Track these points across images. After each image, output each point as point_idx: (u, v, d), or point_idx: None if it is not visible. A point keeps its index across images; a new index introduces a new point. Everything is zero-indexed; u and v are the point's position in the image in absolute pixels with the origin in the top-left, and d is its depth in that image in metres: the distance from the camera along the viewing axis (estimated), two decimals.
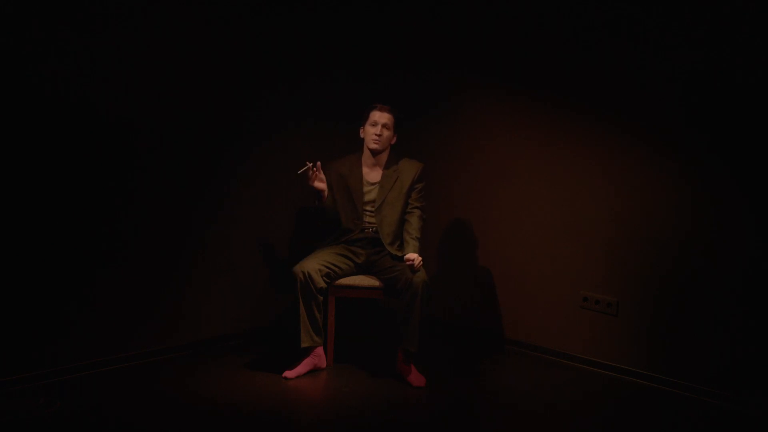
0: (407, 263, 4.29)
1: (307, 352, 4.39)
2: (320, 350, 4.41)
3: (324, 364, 4.45)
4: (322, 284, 4.32)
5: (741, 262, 4.08)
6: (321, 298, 4.33)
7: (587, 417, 4.03)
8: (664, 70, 4.23)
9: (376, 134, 4.47)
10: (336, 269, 4.42)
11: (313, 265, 4.31)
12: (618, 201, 4.48)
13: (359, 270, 4.53)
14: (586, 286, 4.62)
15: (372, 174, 4.57)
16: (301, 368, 4.36)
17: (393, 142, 4.55)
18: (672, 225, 4.30)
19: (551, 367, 4.67)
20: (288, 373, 4.33)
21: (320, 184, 4.44)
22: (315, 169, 4.37)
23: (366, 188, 4.55)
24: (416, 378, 4.31)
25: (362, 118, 4.53)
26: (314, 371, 4.41)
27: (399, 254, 4.44)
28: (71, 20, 4.04)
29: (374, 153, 4.53)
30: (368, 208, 4.55)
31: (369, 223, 4.55)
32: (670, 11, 4.19)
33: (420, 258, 4.30)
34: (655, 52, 4.26)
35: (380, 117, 4.48)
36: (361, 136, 4.55)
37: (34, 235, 4.04)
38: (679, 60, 4.18)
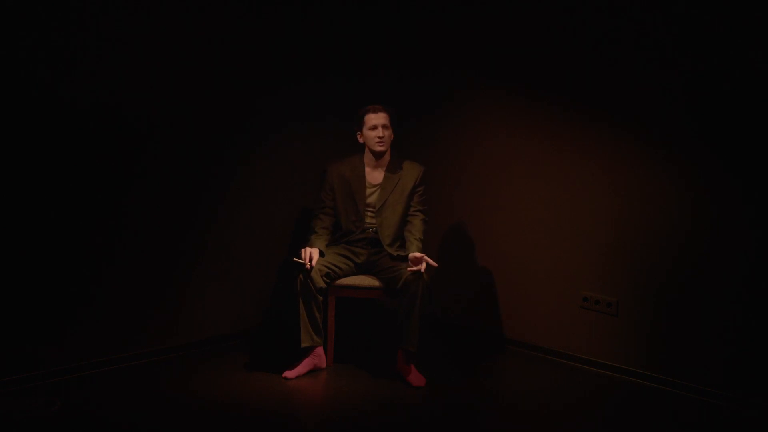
0: (413, 261, 4.24)
1: (307, 352, 4.38)
2: (320, 350, 4.41)
3: (324, 364, 4.45)
4: (322, 284, 4.32)
5: (741, 262, 4.08)
6: (321, 298, 4.33)
7: (587, 417, 4.03)
8: (665, 70, 4.23)
9: (378, 137, 4.46)
10: (336, 269, 4.42)
11: (314, 265, 4.31)
12: (618, 201, 4.47)
13: (359, 270, 4.53)
14: (586, 286, 4.62)
15: (374, 175, 4.57)
16: (301, 368, 4.36)
17: (392, 138, 4.55)
18: (672, 225, 4.30)
19: (551, 367, 4.67)
20: (288, 373, 4.33)
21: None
22: (310, 264, 4.30)
23: (368, 190, 4.55)
24: (416, 378, 4.31)
25: (356, 123, 4.52)
26: (314, 371, 4.41)
27: (399, 254, 4.44)
28: (72, 20, 4.04)
29: (380, 155, 4.52)
30: (369, 209, 4.55)
31: (369, 224, 4.55)
32: (670, 14, 4.19)
33: (428, 259, 4.25)
34: (655, 53, 4.25)
35: (377, 118, 4.47)
36: (360, 141, 4.54)
37: (34, 235, 4.04)
38: (679, 61, 4.18)
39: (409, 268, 4.25)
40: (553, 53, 4.62)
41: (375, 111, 4.48)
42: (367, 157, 4.56)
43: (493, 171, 4.95)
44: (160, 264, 4.50)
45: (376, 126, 4.46)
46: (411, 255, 4.30)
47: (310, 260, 4.29)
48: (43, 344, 4.12)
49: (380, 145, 4.48)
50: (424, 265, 4.23)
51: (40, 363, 4.10)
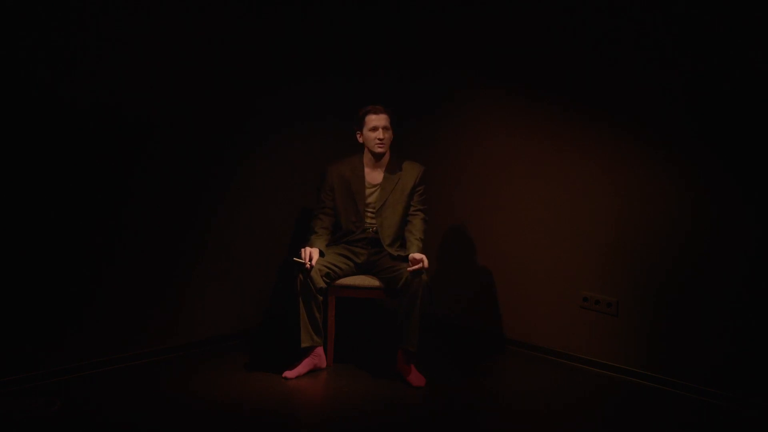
0: (413, 262, 4.25)
1: (307, 352, 4.38)
2: (320, 350, 4.41)
3: (324, 364, 4.45)
4: (322, 284, 4.32)
5: (741, 262, 4.08)
6: (321, 298, 4.33)
7: (587, 417, 4.03)
8: (665, 70, 4.23)
9: (378, 139, 4.46)
10: (336, 269, 4.42)
11: (314, 265, 4.31)
12: (618, 201, 4.47)
13: (359, 270, 4.53)
14: (586, 286, 4.62)
15: (374, 175, 4.57)
16: (301, 368, 4.36)
17: (391, 138, 4.55)
18: (672, 225, 4.30)
19: (551, 367, 4.67)
20: (288, 373, 4.33)
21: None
22: (310, 264, 4.30)
23: (368, 190, 4.55)
24: (416, 378, 4.31)
25: (356, 123, 4.52)
26: (314, 371, 4.41)
27: (399, 254, 4.44)
28: (72, 20, 4.04)
29: (379, 156, 4.52)
30: (369, 209, 4.55)
31: (369, 224, 4.55)
32: (670, 14, 4.19)
33: (426, 260, 4.26)
34: (655, 53, 4.25)
35: (378, 120, 4.46)
36: (360, 141, 4.54)
37: (34, 235, 4.04)
38: (679, 61, 4.18)
39: (409, 268, 4.25)
40: (553, 53, 4.61)
41: (376, 112, 4.47)
42: (367, 157, 4.56)
43: (493, 171, 4.95)
44: (160, 264, 4.50)
45: (376, 127, 4.46)
46: (411, 256, 4.30)
47: (310, 260, 4.29)
48: (43, 344, 4.11)
49: (380, 147, 4.48)
50: (421, 264, 4.24)
51: (40, 363, 4.10)
